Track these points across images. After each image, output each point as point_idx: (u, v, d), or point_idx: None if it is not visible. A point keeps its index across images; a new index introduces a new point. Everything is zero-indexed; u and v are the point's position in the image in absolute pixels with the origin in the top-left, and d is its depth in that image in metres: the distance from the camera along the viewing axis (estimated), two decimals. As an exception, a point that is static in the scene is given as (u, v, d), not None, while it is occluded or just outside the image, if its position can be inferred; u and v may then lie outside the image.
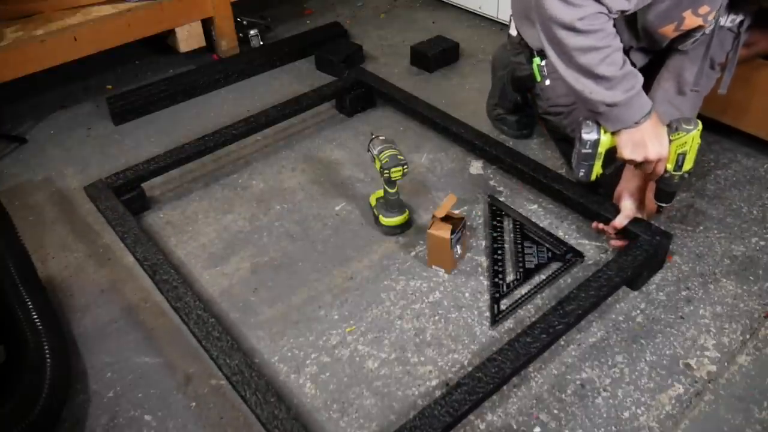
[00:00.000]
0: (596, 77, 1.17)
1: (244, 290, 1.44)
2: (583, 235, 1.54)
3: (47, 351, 1.17)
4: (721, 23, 1.33)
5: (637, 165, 1.30)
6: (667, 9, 1.24)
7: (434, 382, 1.23)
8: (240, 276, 1.47)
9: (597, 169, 1.34)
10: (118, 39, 2.04)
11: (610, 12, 1.14)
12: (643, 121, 1.23)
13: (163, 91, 2.10)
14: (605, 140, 1.28)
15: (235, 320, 1.37)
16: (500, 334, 1.32)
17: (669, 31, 1.30)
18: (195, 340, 1.21)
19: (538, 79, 1.45)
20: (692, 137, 1.26)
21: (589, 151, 1.30)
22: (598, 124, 1.28)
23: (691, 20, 1.25)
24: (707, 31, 1.30)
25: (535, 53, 1.48)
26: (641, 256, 1.33)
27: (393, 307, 1.38)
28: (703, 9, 1.22)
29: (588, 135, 1.28)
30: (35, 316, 1.21)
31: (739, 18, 1.32)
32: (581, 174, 1.35)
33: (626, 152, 1.26)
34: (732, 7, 1.30)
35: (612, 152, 1.30)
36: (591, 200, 1.49)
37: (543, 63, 1.42)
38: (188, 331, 1.24)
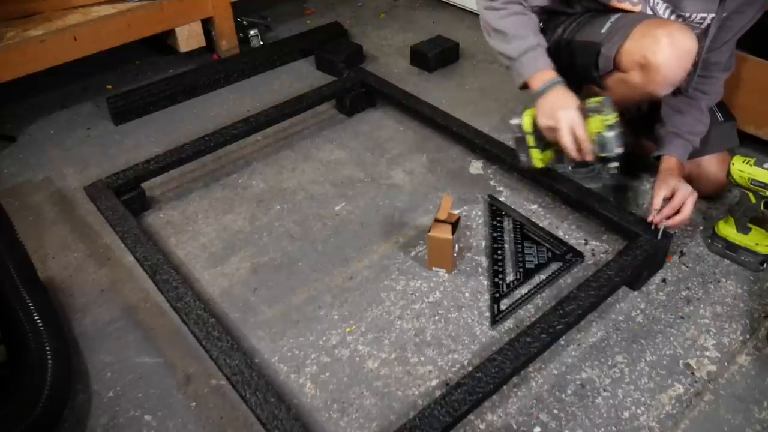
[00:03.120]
0: (495, 31, 1.41)
1: (244, 290, 1.44)
2: (583, 235, 1.54)
3: (48, 351, 1.17)
4: (693, 22, 1.37)
5: (556, 138, 1.35)
6: None
7: (434, 382, 1.23)
8: (240, 276, 1.48)
9: (536, 154, 1.45)
10: (118, 39, 2.04)
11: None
12: (549, 90, 1.34)
13: (163, 91, 2.10)
14: (526, 121, 1.40)
15: (235, 320, 1.37)
16: (500, 334, 1.32)
17: (627, 6, 1.39)
18: (195, 340, 1.21)
19: None
20: (600, 120, 1.29)
21: (519, 135, 1.44)
22: (522, 111, 1.42)
23: (622, 4, 1.38)
24: (648, 11, 1.37)
25: None
26: (641, 256, 1.33)
27: (393, 307, 1.38)
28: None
29: (513, 121, 1.44)
30: (36, 317, 1.21)
31: (709, 17, 1.36)
32: (524, 159, 1.48)
33: (542, 120, 1.36)
34: (697, 4, 1.34)
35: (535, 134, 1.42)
36: (591, 200, 1.49)
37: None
38: (188, 331, 1.24)
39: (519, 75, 1.40)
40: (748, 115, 1.65)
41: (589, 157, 1.33)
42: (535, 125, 1.40)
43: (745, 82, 1.61)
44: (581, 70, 1.42)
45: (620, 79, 1.35)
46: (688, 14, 1.36)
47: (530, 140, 1.43)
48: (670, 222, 1.36)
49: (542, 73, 1.36)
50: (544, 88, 1.35)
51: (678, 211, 1.36)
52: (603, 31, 1.36)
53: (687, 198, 1.36)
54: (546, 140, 1.41)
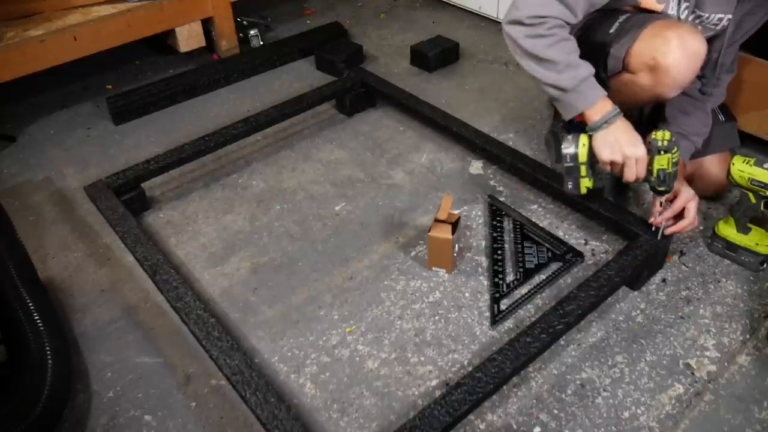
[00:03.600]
0: (541, 60, 1.27)
1: (244, 290, 1.44)
2: (583, 235, 1.54)
3: (48, 351, 1.17)
4: (709, 23, 1.35)
5: (617, 169, 1.32)
6: None
7: (434, 382, 1.23)
8: (240, 276, 1.48)
9: (585, 183, 1.37)
10: (118, 39, 2.04)
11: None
12: (611, 122, 1.28)
13: (163, 91, 2.10)
14: (582, 152, 1.33)
15: (235, 320, 1.37)
16: (500, 334, 1.32)
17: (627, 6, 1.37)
18: (195, 340, 1.21)
19: None
20: (668, 158, 1.27)
21: (571, 164, 1.35)
22: (577, 138, 1.33)
23: (647, 3, 1.34)
24: (670, 12, 1.34)
25: None
26: (641, 256, 1.33)
27: (393, 307, 1.38)
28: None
29: (567, 149, 1.34)
30: (36, 317, 1.21)
31: (725, 17, 1.35)
32: (570, 186, 1.39)
33: (604, 153, 1.29)
34: (716, 5, 1.33)
35: (595, 163, 1.34)
36: (591, 200, 1.49)
37: None
38: (188, 331, 1.24)
39: (572, 107, 1.30)
40: (762, 121, 1.65)
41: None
42: (589, 155, 1.34)
43: (757, 88, 1.61)
44: None
45: (628, 80, 1.35)
46: (706, 14, 1.35)
47: (584, 170, 1.36)
48: (677, 228, 1.37)
49: (601, 103, 1.28)
50: (605, 120, 1.28)
51: (681, 216, 1.36)
52: (611, 31, 1.35)
53: (689, 201, 1.36)
54: (594, 168, 1.37)
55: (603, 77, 1.38)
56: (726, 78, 1.48)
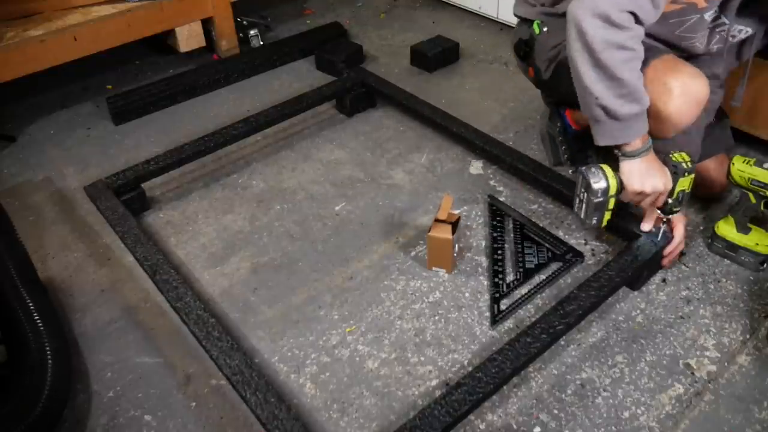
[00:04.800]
0: (611, 78, 1.13)
1: (244, 290, 1.44)
2: (583, 235, 1.54)
3: (48, 351, 1.17)
4: (730, 36, 1.33)
5: (638, 201, 1.29)
6: None
7: (434, 382, 1.23)
8: (240, 276, 1.47)
9: (608, 216, 1.33)
10: (118, 39, 2.04)
11: (641, 22, 1.14)
12: (644, 154, 1.23)
13: (163, 91, 2.10)
14: (613, 184, 1.27)
15: (235, 320, 1.37)
16: (500, 334, 1.32)
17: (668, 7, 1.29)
18: (195, 340, 1.21)
19: (537, 32, 1.45)
20: (690, 180, 1.28)
21: (601, 199, 1.28)
22: (602, 170, 1.27)
23: None
24: (706, 16, 1.28)
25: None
26: (641, 256, 1.33)
27: (393, 307, 1.38)
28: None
29: (598, 184, 1.26)
30: (36, 317, 1.21)
31: (744, 29, 1.33)
32: (594, 222, 1.33)
33: (635, 184, 1.24)
34: (738, 16, 1.30)
35: (617, 195, 1.31)
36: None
37: (542, 21, 1.45)
38: (188, 331, 1.24)
39: (612, 136, 1.21)
40: (763, 121, 1.65)
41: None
42: (618, 187, 1.29)
43: (759, 89, 1.60)
44: None
45: None
46: (728, 23, 1.30)
47: (612, 203, 1.30)
48: (671, 256, 1.38)
49: (643, 137, 1.21)
50: (640, 152, 1.22)
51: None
52: None
53: (678, 222, 1.36)
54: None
55: None
56: (719, 92, 1.47)
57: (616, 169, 1.27)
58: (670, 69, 1.21)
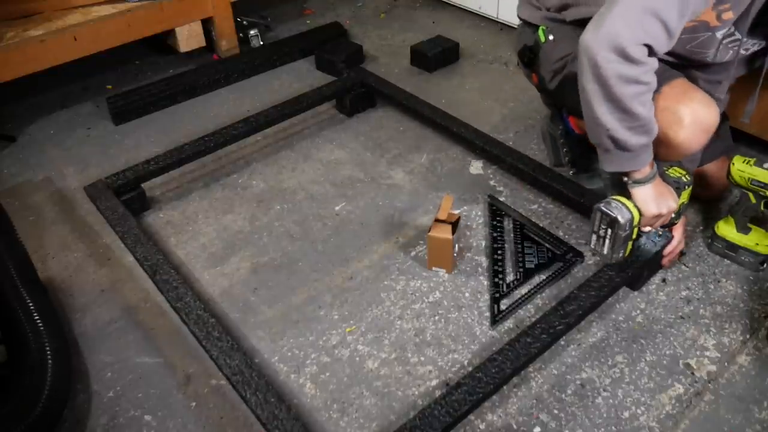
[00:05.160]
0: (623, 111, 1.12)
1: (244, 290, 1.44)
2: (583, 235, 1.54)
3: (48, 351, 1.17)
4: (743, 50, 1.32)
5: (655, 224, 1.30)
6: None
7: (434, 382, 1.23)
8: (240, 276, 1.48)
9: (630, 246, 1.30)
10: (118, 39, 2.04)
11: (655, 54, 1.12)
12: (654, 179, 1.24)
13: (163, 91, 2.10)
14: (636, 214, 1.25)
15: (235, 320, 1.37)
16: (500, 334, 1.32)
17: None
18: (195, 340, 1.21)
19: (543, 40, 1.43)
20: (689, 192, 1.33)
21: (629, 232, 1.26)
22: (621, 203, 1.25)
23: (706, 15, 1.22)
24: (718, 34, 1.27)
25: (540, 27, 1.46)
26: (642, 256, 1.33)
27: (393, 307, 1.38)
28: (727, 15, 1.21)
29: (624, 218, 1.22)
30: (36, 317, 1.21)
31: (758, 42, 1.32)
32: (620, 256, 1.29)
33: (653, 209, 1.24)
34: (751, 31, 1.28)
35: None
36: (591, 200, 1.49)
37: (548, 28, 1.43)
38: (188, 331, 1.24)
39: (620, 165, 1.21)
40: (763, 121, 1.64)
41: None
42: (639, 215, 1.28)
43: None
44: None
45: None
46: (740, 37, 1.28)
47: (635, 233, 1.28)
48: (671, 256, 1.39)
49: (650, 163, 1.22)
50: (650, 178, 1.23)
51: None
52: None
53: (683, 227, 1.38)
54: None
55: None
56: (721, 103, 1.45)
57: (624, 196, 1.27)
58: (681, 97, 1.21)
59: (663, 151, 1.25)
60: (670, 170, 1.30)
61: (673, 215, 1.31)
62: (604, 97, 1.12)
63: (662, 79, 1.20)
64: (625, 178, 1.26)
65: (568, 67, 1.39)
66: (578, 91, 1.19)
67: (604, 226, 1.26)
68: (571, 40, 1.24)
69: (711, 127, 1.22)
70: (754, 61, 1.38)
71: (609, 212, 1.24)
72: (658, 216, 1.26)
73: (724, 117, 1.56)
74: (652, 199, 1.24)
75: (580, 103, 1.21)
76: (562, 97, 1.47)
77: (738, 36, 1.28)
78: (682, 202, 1.32)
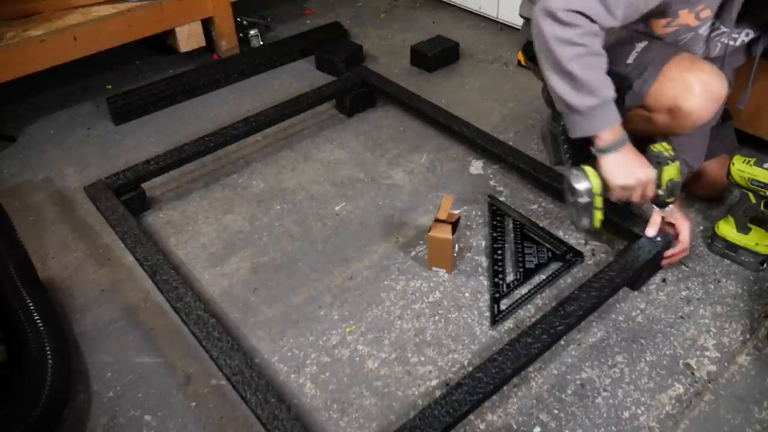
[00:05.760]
0: (564, 73, 1.16)
1: (244, 290, 1.44)
2: (583, 235, 1.54)
3: (48, 351, 1.17)
4: (731, 41, 1.33)
5: (628, 194, 1.28)
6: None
7: (434, 382, 1.23)
8: (240, 276, 1.48)
9: (599, 215, 1.31)
10: (118, 39, 2.04)
11: (595, 22, 1.14)
12: (618, 148, 1.23)
13: (163, 91, 2.10)
14: (596, 183, 1.26)
15: (235, 320, 1.37)
16: (500, 334, 1.32)
17: (659, 26, 1.31)
18: (195, 340, 1.21)
19: None
20: (676, 167, 1.26)
21: (587, 199, 1.27)
22: (583, 171, 1.27)
23: (685, 18, 1.26)
24: (701, 31, 1.29)
25: None
26: (642, 256, 1.33)
27: (393, 307, 1.38)
28: (705, 12, 1.24)
29: (580, 184, 1.26)
30: (36, 317, 1.21)
31: (745, 32, 1.32)
32: (586, 224, 1.32)
33: (617, 179, 1.24)
34: (738, 21, 1.29)
35: (606, 194, 1.29)
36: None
37: None
38: (188, 332, 1.24)
39: (579, 128, 1.23)
40: (762, 121, 1.65)
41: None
42: (602, 185, 1.28)
43: (759, 89, 1.60)
44: None
45: (646, 117, 1.31)
46: (728, 30, 1.30)
47: (599, 202, 1.29)
48: (672, 259, 1.38)
49: (612, 130, 1.21)
50: (614, 146, 1.22)
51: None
52: (629, 61, 1.29)
53: (683, 227, 1.36)
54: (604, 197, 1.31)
55: (620, 107, 1.31)
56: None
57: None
58: (690, 66, 1.24)
59: (674, 121, 1.26)
60: (654, 145, 1.27)
61: (660, 192, 1.27)
62: (548, 60, 1.18)
63: (668, 53, 1.25)
64: (591, 148, 1.25)
65: None
66: None
67: (569, 193, 1.29)
68: None
69: (720, 96, 1.23)
70: (751, 49, 1.39)
71: (569, 179, 1.26)
72: (626, 187, 1.25)
73: (727, 116, 1.56)
74: (617, 169, 1.23)
75: None
76: None
77: (725, 29, 1.30)
78: (669, 179, 1.25)
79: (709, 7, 1.24)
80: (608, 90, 1.19)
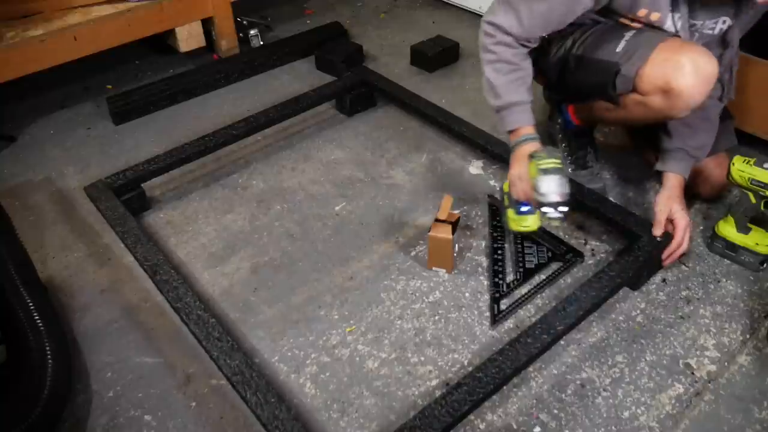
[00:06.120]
0: (484, 75, 1.37)
1: (244, 290, 1.44)
2: (583, 235, 1.54)
3: (48, 351, 1.17)
4: (704, 29, 1.34)
5: (515, 191, 1.35)
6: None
7: (434, 382, 1.23)
8: (240, 276, 1.47)
9: (510, 215, 1.39)
10: (118, 39, 2.04)
11: (509, 33, 1.33)
12: (515, 148, 1.36)
13: (163, 91, 2.10)
14: (506, 184, 1.39)
15: (235, 320, 1.37)
16: (500, 334, 1.32)
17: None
18: (195, 340, 1.21)
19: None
20: (535, 164, 1.24)
21: (501, 198, 1.42)
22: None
23: (643, 14, 1.33)
24: (667, 27, 1.33)
25: None
26: (642, 256, 1.33)
27: (393, 307, 1.38)
28: (654, 16, 1.31)
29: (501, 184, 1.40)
30: (36, 317, 1.21)
31: (722, 19, 1.33)
32: (505, 221, 1.44)
33: (509, 175, 1.37)
34: (713, 10, 1.31)
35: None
36: (591, 200, 1.49)
37: None
38: (188, 332, 1.24)
39: (500, 125, 1.41)
40: (762, 120, 1.65)
41: (534, 204, 1.29)
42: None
43: (757, 88, 1.61)
44: (597, 88, 1.38)
45: (639, 101, 1.33)
46: (700, 22, 1.33)
47: (506, 200, 1.41)
48: (671, 258, 1.38)
49: (521, 129, 1.36)
50: (516, 143, 1.36)
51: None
52: (619, 50, 1.32)
53: (685, 230, 1.37)
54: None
55: (612, 95, 1.36)
56: (733, 77, 1.46)
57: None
58: (679, 47, 1.27)
59: (666, 103, 1.28)
60: (539, 150, 1.28)
61: (536, 195, 1.23)
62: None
63: (658, 38, 1.29)
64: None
65: (559, 52, 1.47)
66: (574, 73, 1.41)
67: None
68: (560, 34, 1.42)
69: (711, 76, 1.25)
70: (726, 39, 1.39)
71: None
72: (512, 182, 1.36)
73: (727, 114, 1.56)
74: (510, 167, 1.37)
75: (578, 86, 1.42)
76: (565, 82, 1.51)
77: (695, 21, 1.33)
78: (533, 177, 1.24)
79: (653, 11, 1.29)
80: (511, 95, 1.35)
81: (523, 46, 1.34)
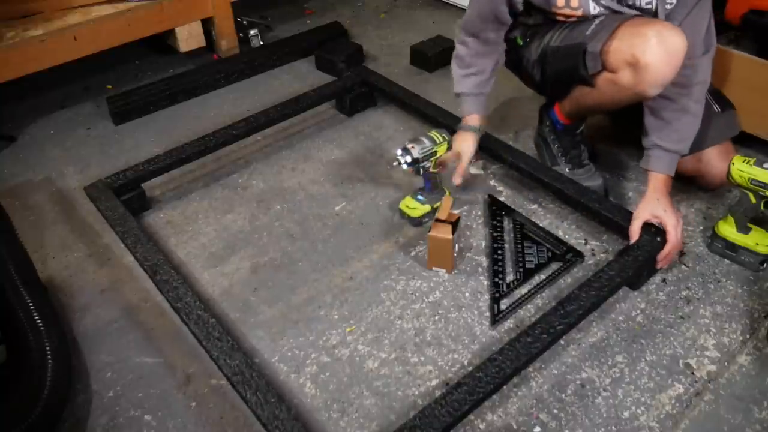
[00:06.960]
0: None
1: (244, 290, 1.44)
2: (583, 235, 1.54)
3: (48, 351, 1.17)
4: (640, 6, 1.36)
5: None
6: None
7: (434, 382, 1.23)
8: (240, 276, 1.48)
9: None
10: (118, 39, 2.04)
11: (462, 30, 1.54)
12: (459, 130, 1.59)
13: (163, 91, 2.10)
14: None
15: (235, 320, 1.37)
16: (500, 334, 1.32)
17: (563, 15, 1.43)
18: (195, 340, 1.21)
19: (521, 44, 1.58)
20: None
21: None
22: None
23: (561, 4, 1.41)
24: (591, 13, 1.38)
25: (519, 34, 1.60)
26: (642, 256, 1.33)
27: (393, 307, 1.38)
28: (573, 2, 1.38)
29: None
30: (36, 317, 1.21)
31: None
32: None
33: None
34: None
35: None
36: (591, 200, 1.49)
37: (521, 35, 1.58)
38: (188, 331, 1.24)
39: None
40: (762, 120, 1.65)
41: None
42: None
43: (757, 87, 1.60)
44: (570, 71, 1.40)
45: (610, 79, 1.34)
46: (631, 1, 1.35)
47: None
48: (665, 259, 1.37)
49: (468, 117, 1.61)
50: (459, 127, 1.61)
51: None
52: (588, 32, 1.35)
53: (675, 228, 1.36)
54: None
55: (584, 75, 1.37)
56: (704, 62, 1.38)
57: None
58: (645, 22, 1.29)
59: (634, 78, 1.29)
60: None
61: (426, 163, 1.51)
62: None
63: (623, 18, 1.33)
64: None
65: (538, 51, 1.52)
66: (552, 63, 1.47)
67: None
68: (538, 35, 1.51)
69: (678, 50, 1.24)
70: (671, 16, 1.37)
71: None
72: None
73: (728, 105, 1.54)
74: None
75: (556, 75, 1.48)
76: (547, 78, 1.54)
77: (627, 1, 1.35)
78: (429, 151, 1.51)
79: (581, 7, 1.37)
80: (461, 87, 1.59)
81: (484, 44, 1.53)
